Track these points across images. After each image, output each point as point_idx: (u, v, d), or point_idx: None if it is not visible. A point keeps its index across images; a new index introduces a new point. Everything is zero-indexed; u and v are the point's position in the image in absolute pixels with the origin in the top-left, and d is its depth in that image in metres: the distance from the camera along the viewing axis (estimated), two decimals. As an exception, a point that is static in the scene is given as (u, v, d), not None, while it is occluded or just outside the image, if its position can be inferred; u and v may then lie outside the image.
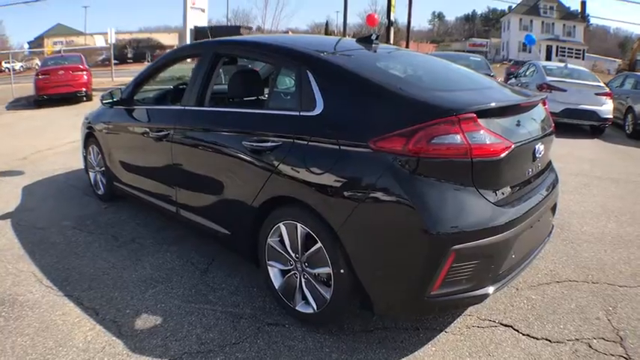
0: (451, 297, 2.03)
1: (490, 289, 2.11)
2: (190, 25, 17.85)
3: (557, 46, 42.68)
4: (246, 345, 2.17)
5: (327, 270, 2.14)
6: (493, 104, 2.16)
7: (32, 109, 11.57)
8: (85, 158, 4.35)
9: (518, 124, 2.30)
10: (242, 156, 2.45)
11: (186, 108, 2.93)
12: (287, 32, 40.79)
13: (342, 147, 2.07)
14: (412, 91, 2.16)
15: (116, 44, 37.81)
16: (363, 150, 2.01)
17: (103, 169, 4.01)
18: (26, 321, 2.34)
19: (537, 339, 2.27)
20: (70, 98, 12.20)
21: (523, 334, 2.31)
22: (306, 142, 2.19)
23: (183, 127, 2.90)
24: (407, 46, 20.08)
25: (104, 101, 3.65)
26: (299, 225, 2.20)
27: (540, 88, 9.04)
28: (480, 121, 2.02)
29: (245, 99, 3.03)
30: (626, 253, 3.31)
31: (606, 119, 9.00)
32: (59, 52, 22.11)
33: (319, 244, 2.13)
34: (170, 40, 36.68)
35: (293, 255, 2.29)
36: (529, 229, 2.26)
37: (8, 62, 26.34)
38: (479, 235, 1.96)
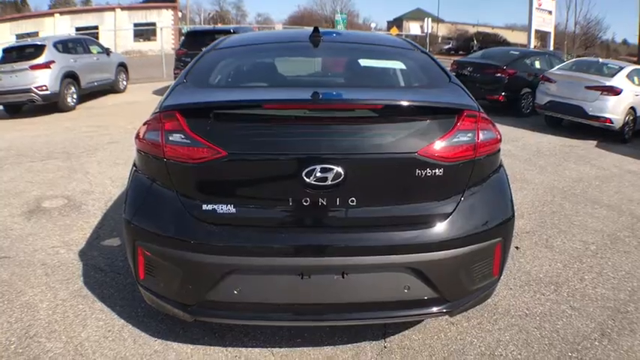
0: (160, 298, 2.06)
1: (187, 316, 1.99)
2: (536, 26, 17.59)
3: None
4: (77, 284, 2.87)
5: None
6: (206, 104, 1.97)
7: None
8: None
9: (286, 131, 1.91)
10: None
11: None
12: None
13: None
14: (187, 88, 2.19)
15: (461, 35, 40.74)
16: None
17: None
18: None
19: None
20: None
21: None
22: None
23: None
24: None
25: None
26: None
27: None
28: (196, 120, 1.89)
29: None
30: None
31: None
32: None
33: None
34: (515, 38, 36.71)
35: None
36: (299, 278, 1.87)
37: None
38: (164, 241, 1.92)
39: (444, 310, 2.03)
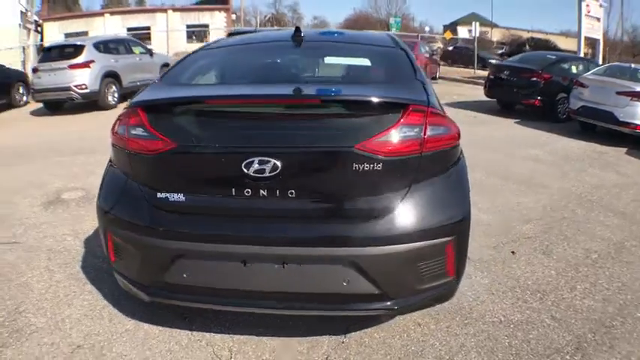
0: (125, 279, 2.24)
1: (145, 297, 2.15)
2: (585, 33, 17.05)
3: None
4: (75, 268, 3.11)
5: None
6: (162, 99, 2.14)
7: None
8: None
9: (230, 125, 2.03)
10: None
11: None
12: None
13: None
14: (158, 86, 2.42)
15: (514, 40, 40.33)
16: None
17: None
18: None
19: None
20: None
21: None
22: None
23: None
24: None
25: None
26: None
27: None
28: (155, 115, 2.05)
29: None
30: None
31: None
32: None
33: None
34: (567, 45, 35.73)
35: None
36: (242, 265, 1.96)
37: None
38: (126, 226, 2.10)
39: (388, 308, 2.04)
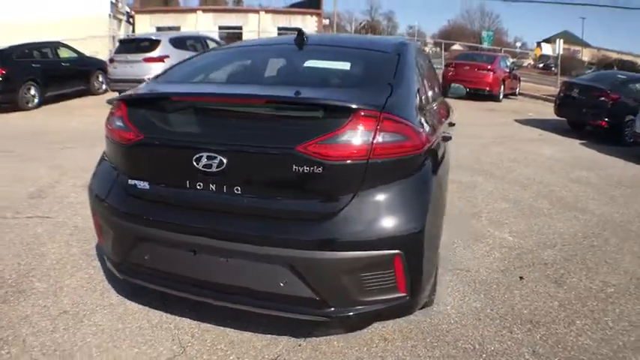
0: (107, 257, 2.46)
1: (118, 274, 2.36)
2: None
3: None
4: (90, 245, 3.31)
5: None
6: (141, 94, 2.33)
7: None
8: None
9: (187, 121, 2.18)
10: None
11: None
12: None
13: None
14: (149, 83, 2.66)
15: (602, 61, 38.36)
16: None
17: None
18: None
19: None
20: (472, 94, 12.41)
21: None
22: None
23: None
24: None
25: None
26: None
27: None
28: (133, 109, 2.24)
29: None
30: None
31: None
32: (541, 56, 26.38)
33: None
34: None
35: None
36: (192, 254, 2.08)
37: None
38: (104, 207, 2.33)
39: (326, 315, 2.05)
